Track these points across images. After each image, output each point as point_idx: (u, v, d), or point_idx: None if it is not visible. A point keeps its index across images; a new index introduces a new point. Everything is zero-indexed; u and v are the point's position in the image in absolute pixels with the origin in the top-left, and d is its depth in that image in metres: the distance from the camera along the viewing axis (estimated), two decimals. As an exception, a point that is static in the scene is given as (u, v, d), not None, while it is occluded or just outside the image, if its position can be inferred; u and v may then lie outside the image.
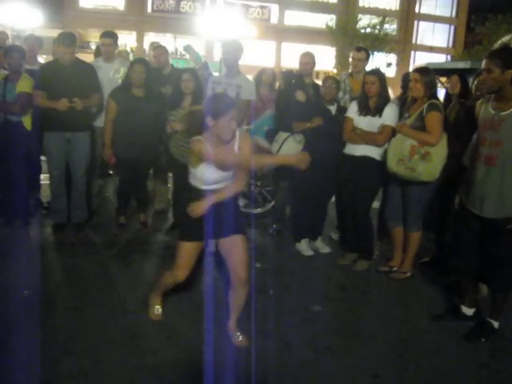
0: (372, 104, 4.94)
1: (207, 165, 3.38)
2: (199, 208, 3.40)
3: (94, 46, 8.28)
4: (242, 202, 6.45)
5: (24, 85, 5.33)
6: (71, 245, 5.30)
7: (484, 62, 3.68)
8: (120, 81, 5.74)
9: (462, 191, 4.02)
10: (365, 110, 4.96)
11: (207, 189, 3.45)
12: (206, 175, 3.42)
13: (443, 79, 6.92)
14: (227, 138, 3.39)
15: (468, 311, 4.17)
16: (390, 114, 4.87)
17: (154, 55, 6.69)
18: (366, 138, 4.91)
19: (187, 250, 3.58)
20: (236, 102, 5.12)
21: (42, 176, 6.23)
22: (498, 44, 8.22)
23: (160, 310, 3.94)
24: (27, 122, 5.43)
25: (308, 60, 6.09)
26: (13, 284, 4.14)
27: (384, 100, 4.94)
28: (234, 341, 3.65)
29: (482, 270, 3.99)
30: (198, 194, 3.47)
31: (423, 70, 4.76)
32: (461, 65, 8.39)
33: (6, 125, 5.36)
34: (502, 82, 3.60)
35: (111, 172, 7.30)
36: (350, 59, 6.20)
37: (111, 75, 5.93)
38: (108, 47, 6.04)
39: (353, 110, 5.06)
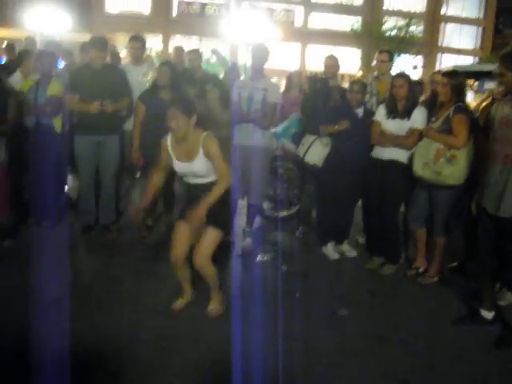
0: (400, 107, 4.91)
1: (171, 159, 3.89)
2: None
3: (119, 50, 8.41)
4: (267, 205, 6.49)
5: (55, 88, 5.44)
6: (99, 246, 5.38)
7: (497, 66, 3.66)
8: (148, 84, 5.82)
9: (479, 191, 3.98)
10: (393, 113, 4.93)
11: (186, 181, 3.97)
12: (174, 168, 3.92)
13: (471, 82, 6.86)
14: (175, 135, 3.82)
15: (487, 315, 4.11)
16: (418, 117, 4.84)
17: (189, 59, 6.91)
18: (395, 141, 4.88)
19: (179, 228, 3.92)
20: (263, 105, 5.22)
21: (70, 178, 6.32)
22: None
23: (183, 302, 4.08)
24: (57, 123, 5.52)
25: (332, 63, 6.14)
26: (41, 284, 4.18)
27: (412, 103, 4.92)
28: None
29: (501, 273, 3.94)
30: (183, 185, 4.02)
31: (451, 74, 4.72)
32: (489, 67, 8.27)
33: (37, 127, 5.47)
34: None
35: (138, 175, 7.35)
36: (374, 62, 6.21)
37: (139, 79, 5.98)
38: (136, 51, 6.11)
39: (381, 114, 5.04)
